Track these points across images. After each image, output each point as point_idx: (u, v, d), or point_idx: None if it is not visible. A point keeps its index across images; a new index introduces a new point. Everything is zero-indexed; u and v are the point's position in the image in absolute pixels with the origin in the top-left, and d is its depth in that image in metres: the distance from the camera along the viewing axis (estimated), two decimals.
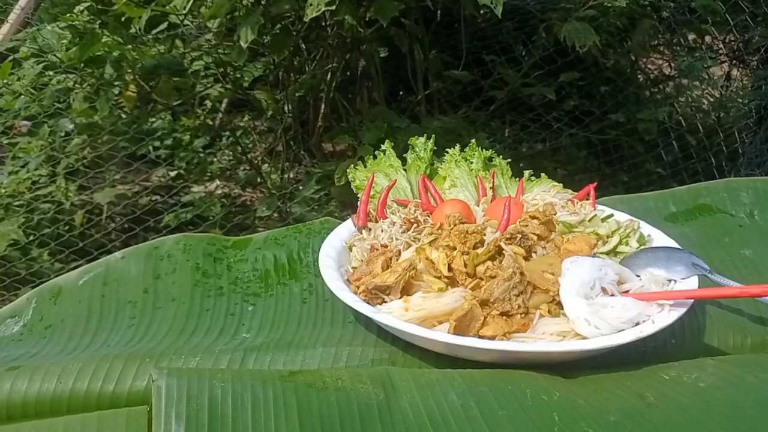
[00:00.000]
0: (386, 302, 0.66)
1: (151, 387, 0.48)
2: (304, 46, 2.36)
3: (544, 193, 0.89)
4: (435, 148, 0.98)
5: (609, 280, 0.65)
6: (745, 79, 2.81)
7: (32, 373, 0.60)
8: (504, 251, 0.69)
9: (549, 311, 0.64)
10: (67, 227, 2.24)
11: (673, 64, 2.57)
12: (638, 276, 0.69)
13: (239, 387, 0.50)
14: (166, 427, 0.45)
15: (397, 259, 0.72)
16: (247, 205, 2.74)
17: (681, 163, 2.54)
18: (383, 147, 0.98)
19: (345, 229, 0.80)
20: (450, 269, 0.68)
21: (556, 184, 0.92)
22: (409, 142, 0.99)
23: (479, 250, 0.69)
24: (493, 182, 0.91)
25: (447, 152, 0.97)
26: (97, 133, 2.24)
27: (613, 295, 0.65)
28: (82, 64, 2.05)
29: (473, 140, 1.00)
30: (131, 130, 2.27)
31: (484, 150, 0.97)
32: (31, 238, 2.16)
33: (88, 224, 2.27)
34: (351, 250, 0.78)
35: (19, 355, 0.64)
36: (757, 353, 0.69)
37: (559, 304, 0.64)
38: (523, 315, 0.63)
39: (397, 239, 0.77)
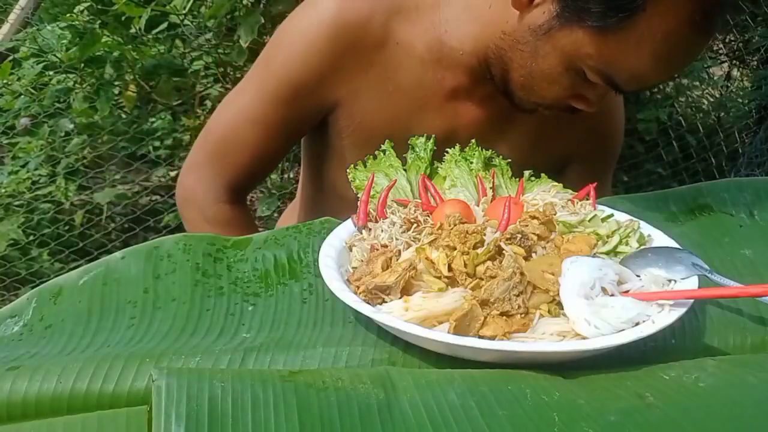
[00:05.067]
0: (386, 302, 0.66)
1: (151, 387, 0.48)
2: None
3: (544, 193, 0.89)
4: (435, 148, 0.98)
5: (609, 280, 0.65)
6: (745, 79, 2.81)
7: (32, 373, 0.60)
8: (504, 251, 0.69)
9: (549, 311, 0.64)
10: (67, 227, 2.24)
11: None
12: (638, 276, 0.69)
13: (239, 387, 0.50)
14: (166, 427, 0.45)
15: (397, 259, 0.72)
16: (247, 205, 2.73)
17: (681, 163, 2.54)
18: (383, 147, 0.98)
19: (345, 229, 0.80)
20: (450, 269, 0.68)
21: (556, 184, 0.92)
22: (409, 142, 0.99)
23: (479, 250, 0.69)
24: (493, 182, 0.91)
25: (447, 152, 0.97)
26: (97, 133, 2.24)
27: (613, 295, 0.65)
28: (82, 64, 2.06)
29: (473, 140, 1.00)
30: (131, 130, 2.27)
31: (484, 150, 0.97)
32: (31, 238, 2.16)
33: (88, 224, 2.27)
34: (351, 250, 0.78)
35: (19, 355, 0.64)
36: (757, 353, 0.69)
37: (559, 304, 0.64)
38: (523, 315, 0.63)
39: (397, 239, 0.77)
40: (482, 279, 0.66)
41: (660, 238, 0.78)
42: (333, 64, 0.92)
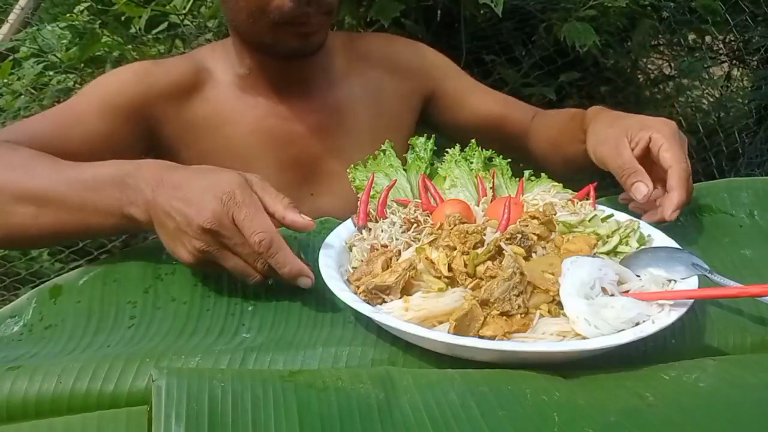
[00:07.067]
0: (386, 302, 0.66)
1: (151, 387, 0.48)
2: None
3: (544, 193, 0.89)
4: (435, 148, 0.98)
5: (609, 280, 0.65)
6: (745, 79, 2.81)
7: (32, 373, 0.60)
8: (504, 251, 0.69)
9: (549, 311, 0.64)
10: None
11: (673, 64, 2.56)
12: (638, 276, 0.69)
13: (239, 387, 0.50)
14: (166, 427, 0.45)
15: (397, 259, 0.72)
16: None
17: None
18: (383, 147, 0.98)
19: (345, 229, 0.81)
20: (450, 269, 0.68)
21: (556, 184, 0.92)
22: (409, 142, 1.00)
23: (479, 250, 0.69)
24: (493, 182, 0.91)
25: (447, 152, 0.97)
26: None
27: (613, 295, 0.65)
28: (82, 64, 2.05)
29: (473, 140, 1.00)
30: None
31: (484, 150, 0.97)
32: None
33: None
34: (351, 250, 0.78)
35: (19, 355, 0.64)
36: (757, 353, 0.69)
37: (559, 304, 0.64)
38: (523, 315, 0.63)
39: (397, 239, 0.77)
40: (482, 279, 0.66)
41: (660, 238, 0.78)
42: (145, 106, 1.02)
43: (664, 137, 0.82)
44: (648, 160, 0.84)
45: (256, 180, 0.73)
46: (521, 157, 1.02)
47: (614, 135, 0.88)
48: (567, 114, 1.13)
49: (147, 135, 1.02)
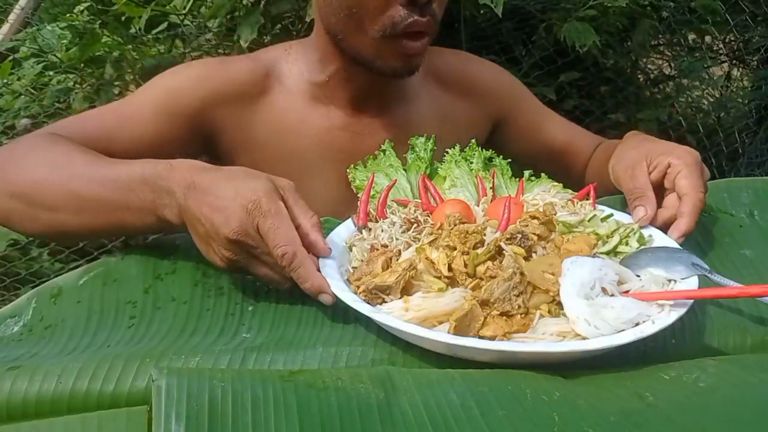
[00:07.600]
0: (386, 302, 0.66)
1: (151, 387, 0.48)
2: None
3: (544, 193, 0.89)
4: (435, 148, 0.98)
5: (609, 280, 0.65)
6: (745, 79, 2.81)
7: (32, 373, 0.60)
8: (504, 251, 0.69)
9: (549, 311, 0.64)
10: None
11: (673, 64, 2.56)
12: (638, 276, 0.69)
13: (239, 387, 0.50)
14: (166, 427, 0.45)
15: (397, 259, 0.72)
16: None
17: None
18: (383, 147, 0.98)
19: (345, 229, 0.81)
20: (450, 269, 0.68)
21: (556, 184, 0.92)
22: (409, 142, 0.99)
23: (479, 250, 0.69)
24: (493, 182, 0.91)
25: (447, 152, 0.97)
26: None
27: (613, 295, 0.65)
28: (82, 64, 2.05)
29: (473, 140, 1.00)
30: None
31: (484, 150, 0.97)
32: (31, 238, 2.16)
33: None
34: (351, 250, 0.78)
35: (19, 355, 0.64)
36: (757, 353, 0.70)
37: (559, 304, 0.64)
38: (523, 315, 0.63)
39: (397, 239, 0.77)
40: (482, 279, 0.67)
41: (660, 238, 0.78)
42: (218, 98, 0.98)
43: (684, 164, 0.83)
44: (663, 186, 0.85)
45: (289, 188, 0.72)
46: (578, 186, 0.97)
47: (634, 157, 0.88)
48: (616, 142, 1.09)
49: (203, 141, 0.99)
